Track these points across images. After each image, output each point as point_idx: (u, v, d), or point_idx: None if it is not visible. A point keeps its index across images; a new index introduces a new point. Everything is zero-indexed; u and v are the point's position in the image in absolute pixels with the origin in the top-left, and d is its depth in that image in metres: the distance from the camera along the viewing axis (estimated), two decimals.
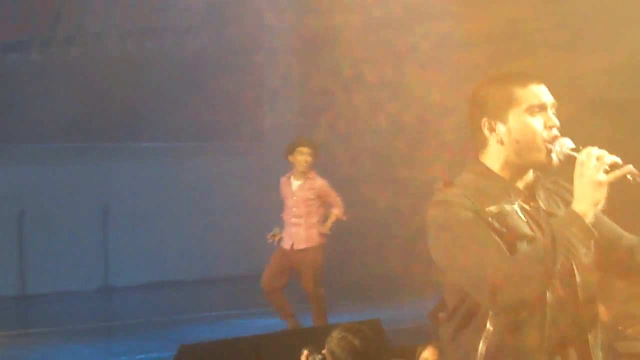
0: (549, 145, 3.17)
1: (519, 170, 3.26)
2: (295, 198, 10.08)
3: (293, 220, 10.07)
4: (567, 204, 3.17)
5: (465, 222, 3.11)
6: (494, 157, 3.28)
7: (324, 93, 15.19)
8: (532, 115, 3.20)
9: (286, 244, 10.06)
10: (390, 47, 13.77)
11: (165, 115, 14.23)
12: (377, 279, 13.37)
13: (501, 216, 3.14)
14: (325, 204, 10.20)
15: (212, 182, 14.55)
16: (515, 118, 3.22)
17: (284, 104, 15.68)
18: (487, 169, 3.28)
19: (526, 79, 3.28)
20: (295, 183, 10.12)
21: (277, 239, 10.04)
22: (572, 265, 3.06)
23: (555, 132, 3.19)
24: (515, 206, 3.19)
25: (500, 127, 3.24)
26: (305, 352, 5.35)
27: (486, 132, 3.28)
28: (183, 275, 14.45)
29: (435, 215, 3.21)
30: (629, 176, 2.98)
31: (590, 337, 3.21)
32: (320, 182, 10.14)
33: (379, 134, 14.14)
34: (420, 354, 5.77)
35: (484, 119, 3.28)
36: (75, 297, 13.46)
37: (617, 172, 2.98)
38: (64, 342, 10.43)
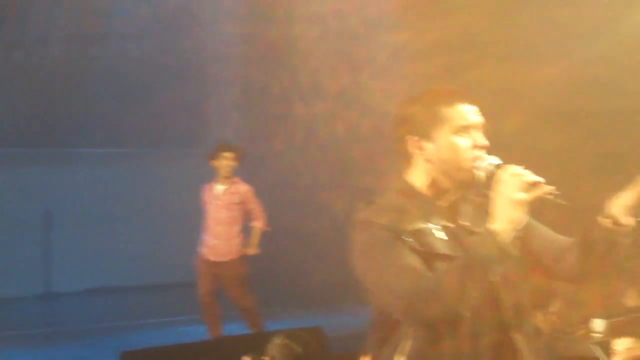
0: (474, 164, 3.16)
1: (444, 189, 3.25)
2: (218, 202, 9.91)
3: (217, 229, 9.91)
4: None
5: (383, 243, 3.12)
6: (418, 175, 3.28)
7: (282, 102, 15.22)
8: (459, 135, 3.19)
9: (209, 255, 9.98)
10: (347, 57, 13.82)
11: (108, 121, 14.22)
12: (321, 285, 13.40)
13: (420, 235, 3.14)
14: (246, 213, 10.02)
15: (153, 188, 14.54)
16: (442, 137, 3.21)
17: (236, 111, 15.66)
18: (411, 187, 3.28)
19: (453, 98, 3.25)
20: (219, 187, 9.96)
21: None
22: (491, 281, 3.02)
23: (481, 152, 3.18)
24: (435, 225, 3.18)
25: (428, 146, 3.23)
26: (247, 358, 5.35)
27: (411, 149, 3.27)
28: (125, 282, 14.41)
29: (356, 234, 3.21)
30: (549, 196, 3.01)
31: (520, 343, 3.21)
32: (245, 188, 10.00)
33: (336, 142, 14.18)
34: None
35: (410, 137, 3.27)
36: (16, 303, 13.36)
37: (537, 192, 2.99)
38: (5, 348, 10.34)
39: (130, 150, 14.67)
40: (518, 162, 3.17)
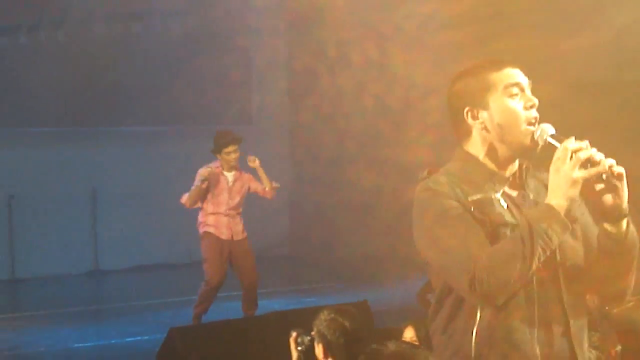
0: (531, 128, 3.19)
1: (504, 158, 3.28)
2: (233, 191, 10.15)
3: (230, 212, 10.08)
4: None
5: (447, 212, 3.15)
6: (478, 146, 3.31)
7: (309, 74, 15.19)
8: (510, 97, 3.23)
9: (224, 235, 10.05)
10: (374, 28, 13.75)
11: (152, 98, 14.27)
12: (360, 259, 13.42)
13: (483, 204, 3.17)
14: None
15: (197, 165, 14.57)
16: (495, 102, 3.25)
17: (270, 85, 15.68)
18: (472, 157, 3.31)
19: (500, 63, 3.31)
20: (230, 176, 10.16)
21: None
22: (554, 251, 3.08)
23: (534, 112, 3.21)
24: (499, 195, 3.21)
25: (483, 114, 3.27)
26: (294, 333, 5.35)
27: (469, 120, 3.30)
28: (172, 258, 14.51)
29: (419, 204, 3.25)
30: (603, 175, 3.00)
31: (572, 321, 3.23)
32: (248, 176, 10.31)
33: (363, 115, 14.13)
34: (401, 335, 5.77)
35: (466, 109, 3.30)
36: (64, 281, 13.51)
37: (592, 171, 2.99)
38: (54, 326, 10.45)
39: (174, 128, 14.73)
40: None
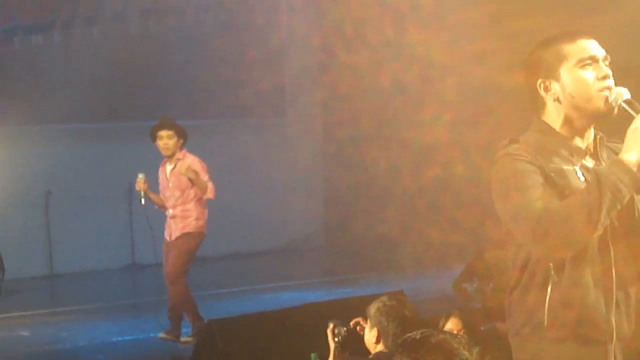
0: (604, 94, 3.24)
1: (580, 127, 3.33)
2: (170, 185, 9.38)
3: (170, 211, 9.36)
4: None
5: (523, 172, 3.20)
6: (553, 116, 3.36)
7: (325, 52, 15.15)
8: (582, 69, 3.28)
9: (166, 235, 9.48)
10: (391, 6, 13.67)
11: (186, 93, 14.31)
12: (397, 249, 13.39)
13: (560, 173, 3.22)
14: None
15: (232, 159, 14.62)
16: (567, 73, 3.30)
17: (295, 64, 15.60)
18: (549, 127, 3.35)
19: (574, 34, 3.35)
20: (169, 168, 9.46)
21: None
22: (631, 207, 3.14)
23: (607, 82, 3.26)
24: (576, 167, 3.25)
25: (555, 85, 3.33)
26: (331, 325, 5.37)
27: (542, 92, 3.36)
28: (208, 251, 14.52)
29: (497, 168, 3.30)
30: None
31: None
32: (190, 160, 9.37)
33: (380, 93, 14.06)
34: (443, 325, 5.76)
35: (539, 81, 3.35)
36: (102, 275, 13.59)
37: None
38: (93, 320, 10.52)
39: (209, 122, 14.76)
40: None
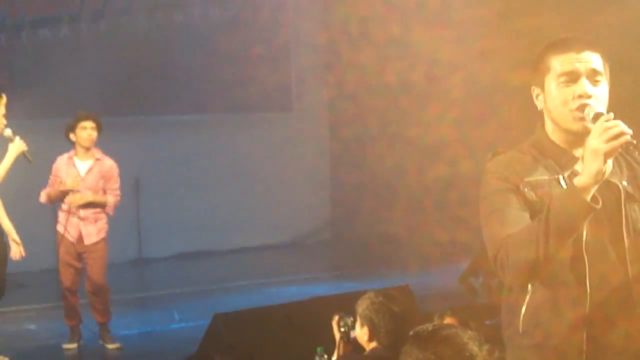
0: (578, 114, 3.10)
1: (566, 138, 3.21)
2: (85, 184, 8.98)
3: (81, 212, 8.98)
4: (630, 167, 3.20)
5: (494, 192, 3.17)
6: (548, 123, 3.27)
7: (331, 50, 15.15)
8: (563, 84, 3.15)
9: (72, 237, 9.07)
10: (397, 4, 13.67)
11: (193, 88, 14.33)
12: (403, 244, 13.40)
13: (538, 185, 3.13)
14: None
15: (239, 153, 14.65)
16: (549, 86, 3.20)
17: (301, 61, 15.61)
18: (545, 137, 3.26)
19: (568, 44, 3.20)
20: (83, 165, 9.06)
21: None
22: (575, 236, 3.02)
23: (584, 101, 3.10)
24: (561, 176, 3.16)
25: (541, 95, 3.25)
26: (337, 317, 5.39)
27: (534, 99, 3.30)
28: (215, 246, 14.58)
29: (480, 185, 3.28)
30: (631, 146, 2.92)
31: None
32: (110, 164, 9.19)
33: (386, 91, 14.07)
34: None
35: (532, 86, 3.29)
36: (109, 269, 13.56)
37: (615, 143, 2.88)
38: None
39: (216, 116, 14.79)
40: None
